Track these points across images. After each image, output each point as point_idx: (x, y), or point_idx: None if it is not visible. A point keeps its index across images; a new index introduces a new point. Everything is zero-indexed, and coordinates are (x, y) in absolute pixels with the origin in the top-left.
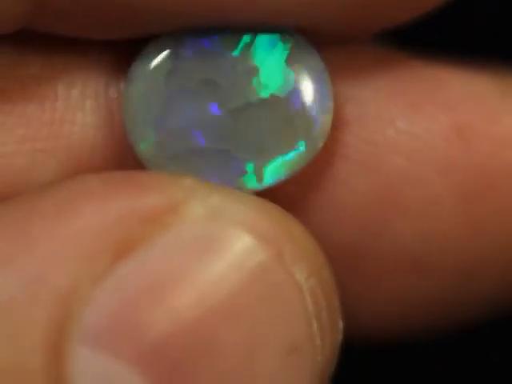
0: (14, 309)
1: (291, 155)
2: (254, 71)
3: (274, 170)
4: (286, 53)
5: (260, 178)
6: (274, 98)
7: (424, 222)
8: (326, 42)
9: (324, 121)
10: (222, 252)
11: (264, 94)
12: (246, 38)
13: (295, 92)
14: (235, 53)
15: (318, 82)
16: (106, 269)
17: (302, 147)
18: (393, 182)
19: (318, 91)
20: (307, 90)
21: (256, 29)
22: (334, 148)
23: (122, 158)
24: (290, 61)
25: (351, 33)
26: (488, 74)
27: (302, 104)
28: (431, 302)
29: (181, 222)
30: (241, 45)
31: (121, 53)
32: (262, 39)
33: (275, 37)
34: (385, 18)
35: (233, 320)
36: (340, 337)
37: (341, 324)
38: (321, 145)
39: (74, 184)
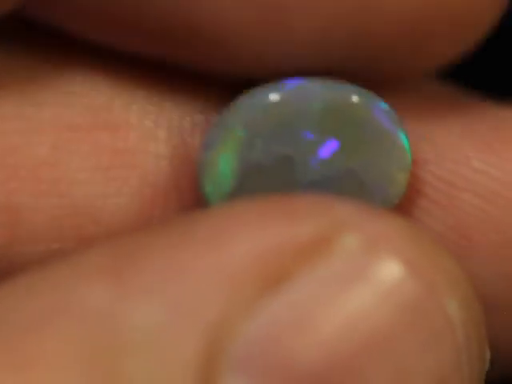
0: (163, 338)
1: None
2: None
3: None
4: None
5: None
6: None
7: (498, 264)
8: (385, 83)
9: (401, 179)
10: (374, 285)
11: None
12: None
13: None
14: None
15: (393, 138)
16: (258, 300)
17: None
18: (468, 222)
19: (394, 146)
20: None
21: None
22: (411, 184)
23: (195, 186)
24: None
25: (403, 72)
26: None
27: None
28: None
29: (333, 255)
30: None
31: (197, 83)
32: None
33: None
34: (433, 55)
35: (383, 353)
36: (486, 367)
37: (488, 354)
38: (396, 202)
39: (228, 210)
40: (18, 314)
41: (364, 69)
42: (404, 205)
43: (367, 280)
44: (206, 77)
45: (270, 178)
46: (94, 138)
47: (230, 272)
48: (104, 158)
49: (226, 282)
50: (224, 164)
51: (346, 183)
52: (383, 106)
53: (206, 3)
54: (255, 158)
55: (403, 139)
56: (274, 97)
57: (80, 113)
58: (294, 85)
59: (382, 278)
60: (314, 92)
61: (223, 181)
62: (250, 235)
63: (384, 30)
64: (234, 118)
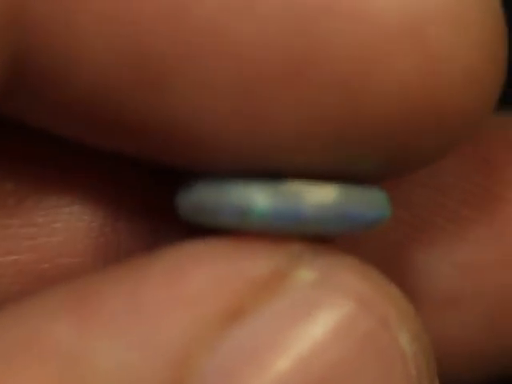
0: (127, 376)
1: None
2: None
3: None
4: None
5: None
6: None
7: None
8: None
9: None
10: (328, 320)
11: None
12: None
13: None
14: None
15: None
16: (219, 335)
17: None
18: None
19: None
20: None
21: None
22: None
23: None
24: None
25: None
26: None
27: None
28: (466, 337)
29: (288, 289)
30: None
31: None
32: None
33: None
34: (420, 151)
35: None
36: None
37: (437, 383)
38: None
39: (181, 249)
40: None
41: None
42: None
43: (320, 315)
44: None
45: None
46: None
47: (188, 307)
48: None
49: (186, 317)
50: None
51: None
52: None
53: (182, 106)
54: None
55: None
56: None
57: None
58: None
59: (334, 312)
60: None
61: None
62: (205, 270)
63: (369, 129)
64: None
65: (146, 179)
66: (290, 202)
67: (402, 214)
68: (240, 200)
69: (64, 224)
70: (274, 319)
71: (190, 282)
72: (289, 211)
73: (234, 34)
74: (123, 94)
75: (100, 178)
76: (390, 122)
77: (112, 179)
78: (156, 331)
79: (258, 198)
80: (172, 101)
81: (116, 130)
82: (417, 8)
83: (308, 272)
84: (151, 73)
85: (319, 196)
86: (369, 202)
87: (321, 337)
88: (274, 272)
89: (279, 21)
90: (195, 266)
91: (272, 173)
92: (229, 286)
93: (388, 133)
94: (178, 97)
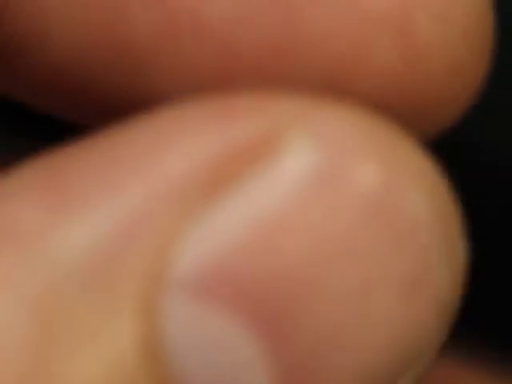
0: (102, 259)
1: None
2: None
3: None
4: None
5: None
6: None
7: None
8: None
9: None
10: (334, 186)
11: None
12: None
13: None
14: None
15: None
16: (203, 210)
17: None
18: None
19: None
20: None
21: None
22: None
23: None
24: None
25: None
26: None
27: None
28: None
29: (283, 155)
30: None
31: None
32: None
33: None
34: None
35: (348, 259)
36: (462, 267)
37: (462, 252)
38: None
39: (164, 116)
40: None
41: None
42: None
43: (324, 182)
44: None
45: None
46: None
47: (172, 181)
48: None
49: (167, 194)
50: None
51: None
52: None
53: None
54: None
55: None
56: None
57: None
58: None
59: (339, 178)
60: None
61: None
62: (191, 140)
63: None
64: None
65: None
66: None
67: None
68: None
69: None
70: (269, 189)
71: (170, 156)
72: None
73: (215, 18)
74: (98, 73)
75: None
76: (374, 110)
77: None
78: (135, 209)
79: None
80: (150, 83)
81: (91, 109)
82: None
83: (305, 133)
84: (127, 57)
85: None
86: None
87: (326, 206)
88: (264, 137)
89: (262, 6)
90: (178, 134)
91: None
92: (211, 155)
93: None
94: (156, 79)
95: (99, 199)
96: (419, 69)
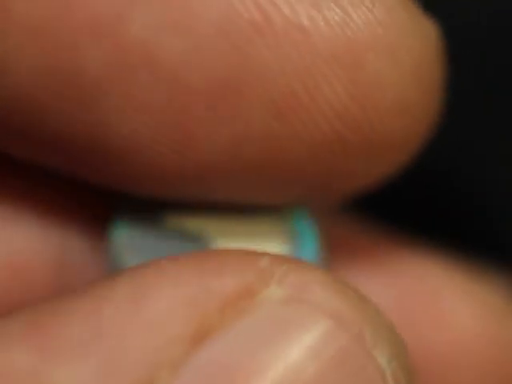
0: None
1: None
2: None
3: None
4: None
5: None
6: None
7: None
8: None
9: None
10: (301, 338)
11: None
12: None
13: None
14: None
15: None
16: (184, 356)
17: None
18: None
19: None
20: None
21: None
22: None
23: None
24: None
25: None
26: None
27: None
28: None
29: (258, 307)
30: None
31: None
32: None
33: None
34: (349, 179)
35: None
36: None
37: None
38: None
39: (146, 269)
40: None
41: (275, 195)
42: None
43: (292, 333)
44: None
45: None
46: None
47: (153, 329)
48: None
49: (150, 339)
50: None
51: None
52: None
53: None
54: None
55: None
56: None
57: None
58: None
59: (306, 330)
60: None
61: None
62: (170, 291)
63: (293, 154)
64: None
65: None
66: None
67: None
68: None
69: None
70: (243, 339)
71: (154, 303)
72: None
73: (166, 51)
74: (50, 107)
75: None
76: (318, 146)
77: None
78: (119, 355)
79: None
80: (101, 117)
81: (44, 143)
82: (354, 36)
83: (279, 289)
84: (79, 88)
85: None
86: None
87: (294, 356)
88: (243, 289)
89: (213, 39)
90: (159, 286)
91: (203, 202)
92: (194, 307)
93: (315, 156)
94: (108, 113)
95: (87, 350)
96: (368, 106)
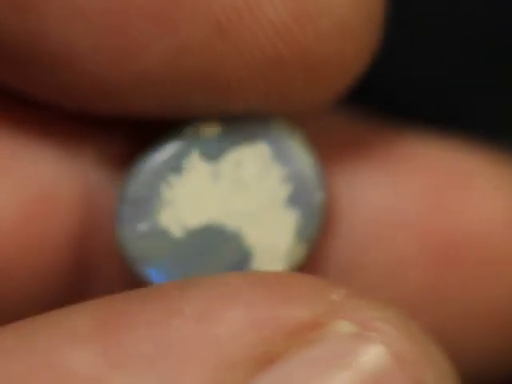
0: None
1: None
2: None
3: None
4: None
5: None
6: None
7: (391, 283)
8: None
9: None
10: (359, 370)
11: None
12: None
13: None
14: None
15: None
16: (246, 380)
17: None
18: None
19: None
20: None
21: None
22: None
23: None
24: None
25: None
26: (459, 141)
27: None
28: None
29: (325, 339)
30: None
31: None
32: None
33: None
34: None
35: None
36: None
37: None
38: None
39: (218, 284)
40: None
41: (216, 108)
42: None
43: (353, 365)
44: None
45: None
46: None
47: (218, 349)
48: None
49: (213, 358)
50: None
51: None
52: None
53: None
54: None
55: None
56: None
57: None
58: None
59: (368, 364)
60: None
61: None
62: (240, 313)
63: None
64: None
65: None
66: None
67: None
68: None
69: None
70: (305, 368)
71: (222, 322)
72: None
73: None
74: None
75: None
76: (257, 63)
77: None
78: (182, 373)
79: None
80: (40, 24)
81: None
82: None
83: (347, 324)
84: None
85: None
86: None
87: None
88: (311, 320)
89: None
90: (230, 306)
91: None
92: (262, 333)
93: (253, 73)
94: (47, 19)
95: (151, 360)
96: (309, 27)
